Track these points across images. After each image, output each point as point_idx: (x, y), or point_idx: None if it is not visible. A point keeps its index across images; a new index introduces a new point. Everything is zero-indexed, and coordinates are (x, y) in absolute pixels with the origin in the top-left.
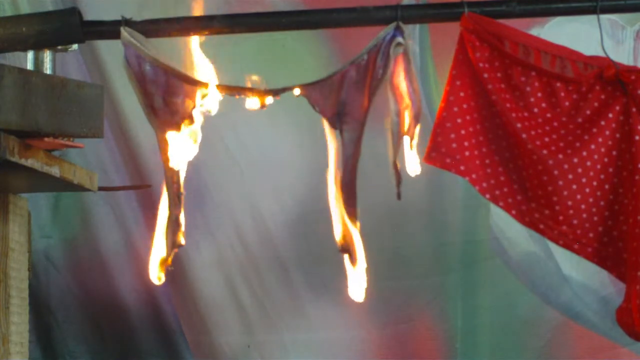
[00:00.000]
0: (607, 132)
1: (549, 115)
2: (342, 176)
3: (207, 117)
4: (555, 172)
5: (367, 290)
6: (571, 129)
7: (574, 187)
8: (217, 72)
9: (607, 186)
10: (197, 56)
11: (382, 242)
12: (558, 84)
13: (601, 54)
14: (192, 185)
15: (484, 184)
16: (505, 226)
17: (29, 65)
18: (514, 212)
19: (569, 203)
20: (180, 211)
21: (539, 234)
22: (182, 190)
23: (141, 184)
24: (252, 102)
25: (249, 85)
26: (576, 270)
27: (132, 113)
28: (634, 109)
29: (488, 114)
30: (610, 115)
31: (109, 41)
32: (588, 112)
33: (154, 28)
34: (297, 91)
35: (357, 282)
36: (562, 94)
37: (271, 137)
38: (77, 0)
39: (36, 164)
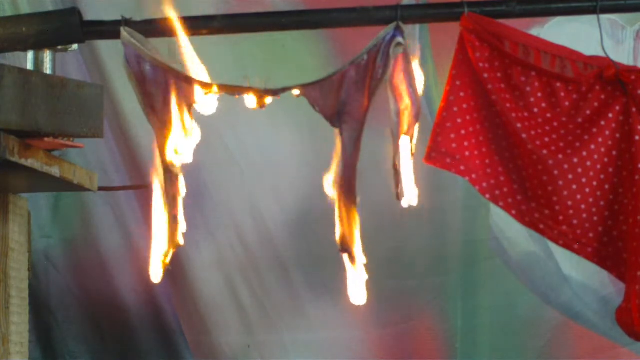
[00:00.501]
0: (607, 132)
1: (549, 115)
2: (341, 176)
3: (207, 117)
4: (555, 172)
5: (367, 290)
6: (571, 129)
7: (574, 187)
8: (217, 72)
9: (607, 186)
10: (188, 57)
11: (382, 242)
12: (558, 84)
13: (601, 54)
14: (192, 185)
15: (484, 184)
16: (505, 226)
17: (29, 65)
18: (514, 212)
19: (569, 203)
20: (178, 211)
21: (539, 234)
22: (180, 190)
23: (141, 184)
24: (251, 102)
25: (248, 85)
26: (576, 270)
27: (132, 113)
28: (634, 109)
29: (488, 114)
30: (610, 115)
31: (109, 41)
32: (588, 112)
33: (154, 28)
34: (296, 91)
35: (356, 285)
36: (562, 94)
37: (271, 137)
38: (77, 0)
39: (36, 164)
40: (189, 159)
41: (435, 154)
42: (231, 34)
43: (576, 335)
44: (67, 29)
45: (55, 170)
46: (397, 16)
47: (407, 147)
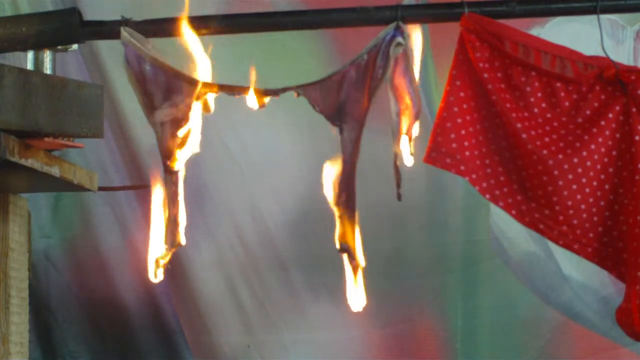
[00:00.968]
0: (607, 132)
1: (549, 115)
2: (341, 176)
3: (207, 117)
4: (555, 172)
5: (367, 290)
6: (571, 129)
7: (574, 187)
8: (217, 72)
9: (607, 186)
10: (197, 55)
11: (382, 242)
12: (558, 84)
13: (601, 54)
14: (192, 185)
15: (484, 184)
16: (505, 226)
17: (29, 65)
18: (514, 212)
19: (569, 203)
20: (178, 211)
21: (539, 234)
22: (180, 190)
23: (141, 184)
24: (252, 102)
25: (248, 85)
26: (576, 270)
27: (132, 113)
28: (634, 109)
29: (488, 114)
30: (610, 115)
31: (109, 41)
32: (588, 112)
33: (154, 28)
34: (297, 91)
35: (355, 291)
36: (562, 94)
37: (271, 137)
38: (77, 0)
39: (36, 164)
40: (189, 159)
41: (435, 154)
42: (231, 34)
43: (576, 335)
44: (67, 29)
45: (55, 170)
46: (397, 16)
47: (407, 147)
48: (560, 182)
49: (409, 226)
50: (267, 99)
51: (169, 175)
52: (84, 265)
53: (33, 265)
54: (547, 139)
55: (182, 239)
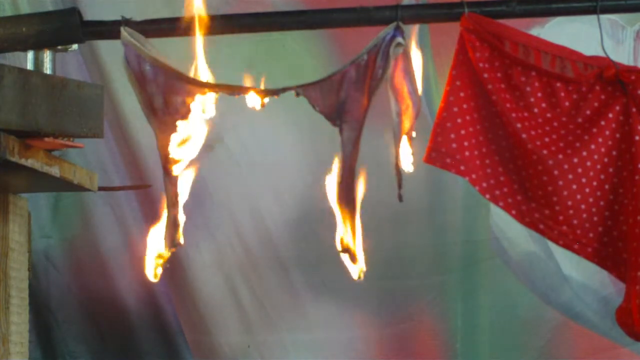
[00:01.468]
0: (607, 132)
1: (549, 115)
2: (340, 176)
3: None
4: (555, 172)
5: (367, 290)
6: (571, 129)
7: (574, 187)
8: (217, 72)
9: (607, 186)
10: (198, 57)
11: (382, 242)
12: (558, 84)
13: (601, 54)
14: (192, 185)
15: (484, 184)
16: (505, 226)
17: (29, 65)
18: (514, 212)
19: (569, 203)
20: (177, 211)
21: (539, 234)
22: (180, 190)
23: (141, 184)
24: (252, 102)
25: (248, 85)
26: (576, 270)
27: (132, 113)
28: (634, 109)
29: (488, 114)
30: (610, 115)
31: (109, 41)
32: (588, 112)
33: (154, 28)
34: (296, 91)
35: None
36: (562, 94)
37: (271, 137)
38: (77, 0)
39: (36, 164)
40: (189, 158)
41: (435, 154)
42: (231, 34)
43: (576, 335)
44: (67, 29)
45: (55, 170)
46: (397, 16)
47: (407, 147)
48: (560, 182)
49: (409, 226)
50: (267, 99)
51: (169, 176)
52: (84, 265)
53: (33, 265)
54: (547, 139)
55: (182, 239)
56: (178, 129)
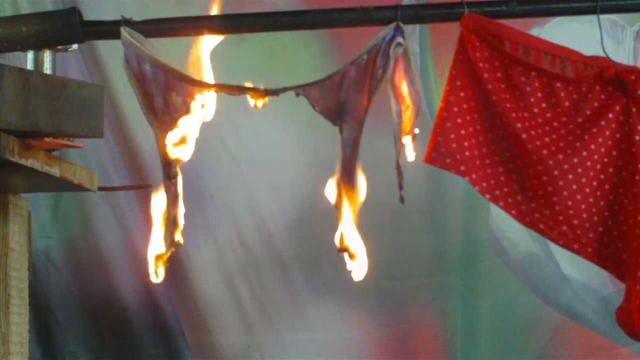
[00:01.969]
0: (607, 132)
1: (549, 115)
2: (340, 176)
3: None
4: (555, 172)
5: (367, 290)
6: (571, 129)
7: (574, 187)
8: (217, 72)
9: (607, 186)
10: (203, 57)
11: (382, 242)
12: (558, 84)
13: (601, 54)
14: (192, 185)
15: (484, 184)
16: (505, 226)
17: (29, 65)
18: (514, 212)
19: (569, 203)
20: (177, 211)
21: (539, 234)
22: (179, 190)
23: (141, 184)
24: (252, 102)
25: (248, 85)
26: (576, 270)
27: (132, 113)
28: (634, 109)
29: (488, 114)
30: (610, 115)
31: (109, 41)
32: (588, 112)
33: (154, 28)
34: (297, 91)
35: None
36: (562, 94)
37: (271, 137)
38: (77, 0)
39: (36, 164)
40: (188, 158)
41: (435, 154)
42: (231, 34)
43: (576, 335)
44: (67, 29)
45: (55, 170)
46: (397, 16)
47: (409, 146)
48: (560, 182)
49: (409, 226)
50: (267, 99)
51: (169, 176)
52: (84, 265)
53: (33, 265)
54: (547, 139)
55: (181, 239)
56: (178, 129)
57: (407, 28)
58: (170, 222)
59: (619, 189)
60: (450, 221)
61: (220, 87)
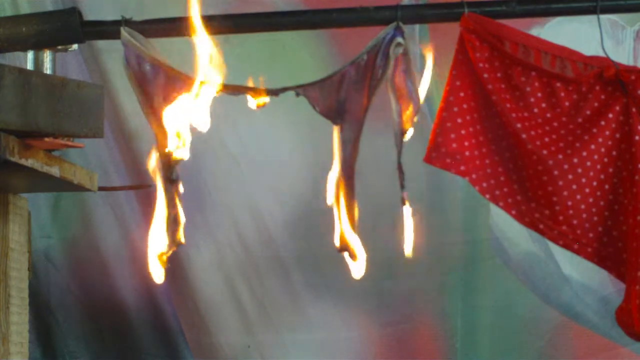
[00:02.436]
0: (607, 132)
1: (549, 115)
2: (340, 175)
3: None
4: (555, 172)
5: (368, 290)
6: (571, 129)
7: (574, 187)
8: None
9: (607, 186)
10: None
11: (382, 241)
12: (558, 84)
13: (601, 54)
14: (192, 185)
15: (484, 184)
16: (505, 226)
17: (29, 65)
18: (514, 212)
19: (569, 203)
20: (177, 210)
21: (539, 234)
22: (179, 190)
23: (141, 184)
24: (252, 102)
25: (248, 85)
26: (576, 270)
27: (132, 113)
28: (634, 109)
29: (488, 114)
30: (610, 115)
31: (109, 41)
32: (588, 112)
33: (154, 28)
34: (296, 91)
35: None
36: (562, 94)
37: (271, 137)
38: (77, 0)
39: (36, 164)
40: (188, 158)
41: (435, 154)
42: (231, 34)
43: (576, 335)
44: (67, 29)
45: (55, 170)
46: (397, 16)
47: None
48: (560, 182)
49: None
50: (267, 99)
51: (169, 175)
52: (84, 265)
53: (33, 265)
54: (547, 139)
55: (182, 238)
56: (177, 128)
57: (407, 28)
58: (172, 221)
59: (618, 189)
60: (450, 221)
61: (220, 87)
